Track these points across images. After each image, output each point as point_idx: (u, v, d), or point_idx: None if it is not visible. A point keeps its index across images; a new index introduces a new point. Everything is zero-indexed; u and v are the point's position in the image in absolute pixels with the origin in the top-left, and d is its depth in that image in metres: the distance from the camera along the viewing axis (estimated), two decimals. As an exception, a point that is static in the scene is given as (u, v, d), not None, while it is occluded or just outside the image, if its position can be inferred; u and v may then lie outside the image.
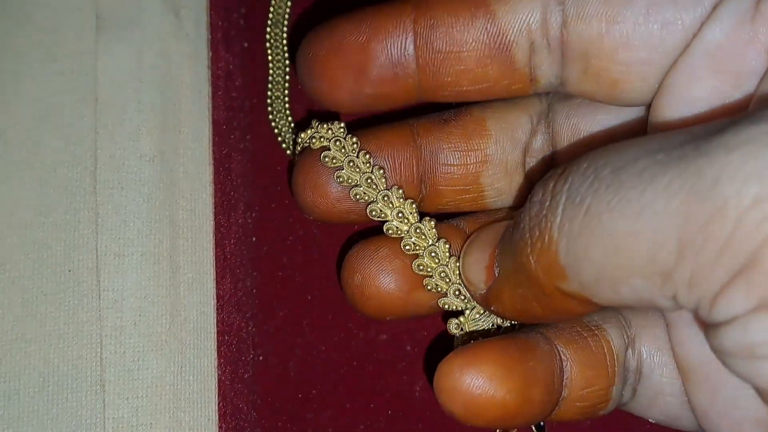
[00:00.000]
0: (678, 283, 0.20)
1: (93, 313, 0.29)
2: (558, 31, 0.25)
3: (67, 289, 0.29)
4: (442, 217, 0.30)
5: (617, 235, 0.20)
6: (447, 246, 0.29)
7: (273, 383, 0.33)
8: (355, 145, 0.28)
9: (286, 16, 0.35)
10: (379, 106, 0.28)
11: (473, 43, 0.26)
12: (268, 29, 0.35)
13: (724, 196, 0.18)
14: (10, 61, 0.31)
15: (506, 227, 0.26)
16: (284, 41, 0.35)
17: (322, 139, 0.29)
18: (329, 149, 0.28)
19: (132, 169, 0.30)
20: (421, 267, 0.28)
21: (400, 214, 0.28)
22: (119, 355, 0.29)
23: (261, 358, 0.33)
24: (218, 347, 0.31)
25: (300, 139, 0.30)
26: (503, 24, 0.26)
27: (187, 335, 0.30)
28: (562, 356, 0.27)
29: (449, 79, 0.27)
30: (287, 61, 0.35)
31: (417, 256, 0.28)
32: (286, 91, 0.34)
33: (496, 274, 0.26)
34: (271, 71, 0.35)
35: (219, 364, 0.31)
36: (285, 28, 0.35)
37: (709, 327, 0.21)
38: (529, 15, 0.25)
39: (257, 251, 0.33)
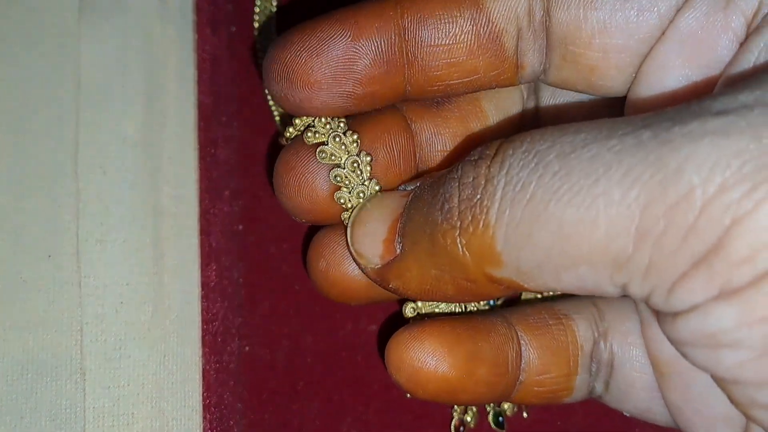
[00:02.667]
0: (632, 271, 0.20)
1: (73, 300, 0.28)
2: (541, 17, 0.25)
3: (47, 275, 0.28)
4: None
5: (566, 223, 0.20)
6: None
7: (259, 374, 0.32)
8: (355, 143, 0.27)
9: (275, 2, 0.35)
10: (363, 107, 0.27)
11: (462, 35, 0.26)
12: (256, 16, 0.35)
13: (689, 184, 0.18)
14: (-9, 42, 0.30)
15: (408, 199, 0.25)
16: (273, 27, 0.35)
17: (317, 135, 0.27)
18: (326, 144, 0.27)
19: (115, 154, 0.30)
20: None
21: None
22: (100, 343, 0.28)
23: (247, 348, 0.32)
24: (203, 337, 0.31)
25: (288, 133, 0.28)
26: (492, 13, 0.26)
27: (170, 324, 0.30)
28: (522, 341, 0.27)
29: (439, 73, 0.26)
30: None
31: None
32: None
33: (398, 250, 0.25)
34: (260, 55, 0.34)
35: (203, 354, 0.30)
36: (273, 13, 0.35)
37: (665, 316, 0.21)
38: (516, 3, 0.25)
39: (244, 240, 0.33)
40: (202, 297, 0.31)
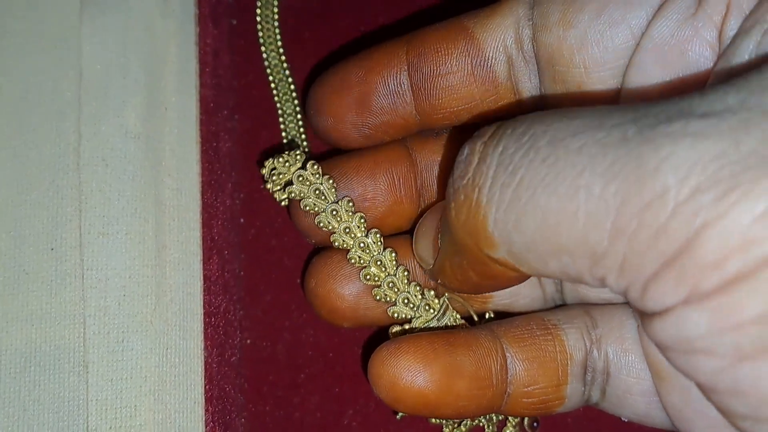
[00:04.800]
0: (608, 266, 0.20)
1: (76, 293, 0.28)
2: (530, 44, 0.27)
3: (50, 267, 0.28)
4: None
5: (550, 212, 0.20)
6: (393, 255, 0.29)
7: (260, 367, 0.32)
8: (317, 174, 0.29)
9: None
10: (381, 136, 0.30)
11: (456, 65, 0.28)
12: (258, 8, 0.35)
13: (664, 184, 0.18)
14: (-8, 35, 0.30)
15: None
16: (276, 20, 0.35)
17: (281, 176, 0.30)
18: (292, 183, 0.29)
19: (116, 146, 0.30)
20: (368, 277, 0.29)
21: (347, 229, 0.29)
22: (103, 335, 0.28)
23: (249, 341, 0.32)
24: (205, 329, 0.31)
25: (266, 172, 0.30)
26: (482, 43, 0.27)
27: (172, 316, 0.30)
28: (508, 353, 0.27)
29: (440, 101, 0.28)
30: (279, 41, 0.34)
31: (364, 267, 0.29)
32: (287, 72, 0.34)
33: (440, 247, 0.26)
34: (264, 53, 0.34)
35: (206, 347, 0.30)
36: (276, 8, 0.35)
37: (645, 317, 0.21)
38: (504, 33, 0.27)
39: (245, 233, 0.33)
40: (204, 290, 0.31)
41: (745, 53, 0.22)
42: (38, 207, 0.29)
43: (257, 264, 0.33)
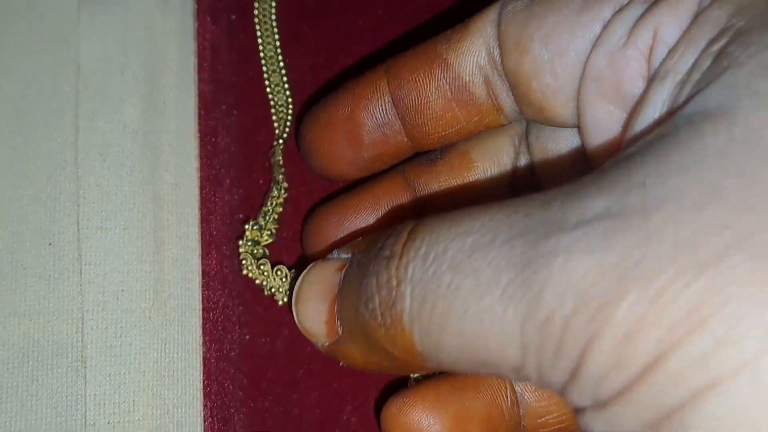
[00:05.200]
0: (529, 375, 0.20)
1: (74, 288, 0.28)
2: (500, 64, 0.27)
3: (48, 262, 0.28)
4: None
5: (465, 335, 0.20)
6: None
7: (259, 362, 0.32)
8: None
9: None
10: (378, 166, 0.30)
11: (437, 93, 0.28)
12: (256, 3, 0.35)
13: (549, 306, 0.18)
14: (-10, 30, 0.30)
15: (341, 277, 0.26)
16: (273, 15, 0.35)
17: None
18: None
19: (115, 142, 0.30)
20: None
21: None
22: (101, 330, 0.28)
23: (247, 336, 0.32)
24: (203, 324, 0.31)
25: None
26: (457, 68, 0.27)
27: (171, 311, 0.30)
28: (517, 387, 0.28)
29: (427, 128, 0.28)
30: (276, 35, 0.34)
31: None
32: (281, 63, 0.34)
33: (339, 332, 0.25)
34: (261, 46, 0.34)
35: (204, 342, 0.30)
36: (273, 3, 0.35)
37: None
38: (477, 55, 0.27)
39: (244, 228, 0.33)
40: (203, 285, 0.31)
41: (653, 111, 0.22)
42: (36, 202, 0.29)
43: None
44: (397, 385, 0.32)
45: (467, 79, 0.27)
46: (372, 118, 0.29)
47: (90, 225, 0.29)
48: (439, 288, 0.21)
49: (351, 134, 0.29)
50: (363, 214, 0.30)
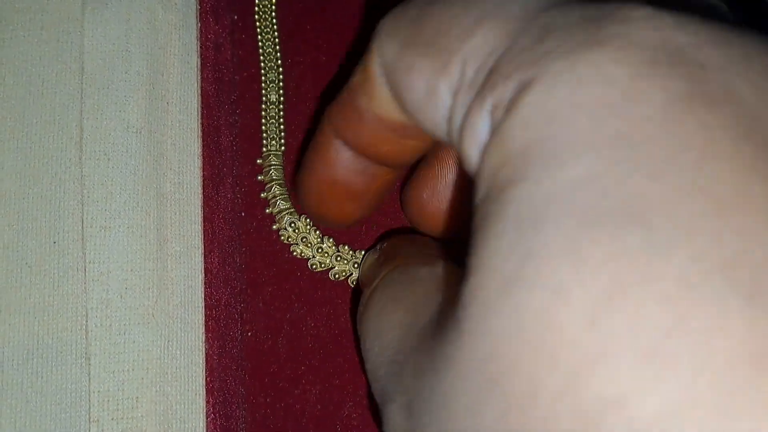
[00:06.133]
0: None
1: (78, 286, 0.29)
2: None
3: (52, 260, 0.29)
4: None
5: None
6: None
7: (261, 359, 0.32)
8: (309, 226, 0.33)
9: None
10: (383, 194, 0.29)
11: (383, 136, 0.25)
12: (257, 3, 0.35)
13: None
14: (-5, 29, 0.30)
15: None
16: (273, 14, 0.35)
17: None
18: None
19: (118, 141, 0.30)
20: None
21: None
22: (105, 327, 0.29)
23: (249, 333, 0.32)
24: (206, 322, 0.31)
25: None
26: (378, 111, 0.24)
27: (174, 309, 0.30)
28: None
29: (392, 161, 0.26)
30: (276, 33, 0.34)
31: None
32: (279, 61, 0.34)
33: None
34: (261, 43, 0.34)
35: (206, 339, 0.31)
36: (273, 4, 0.35)
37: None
38: (384, 94, 0.24)
39: (246, 226, 0.33)
40: (205, 283, 0.31)
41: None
42: (41, 201, 0.29)
43: (258, 257, 0.33)
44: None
45: (392, 119, 0.24)
46: (348, 172, 0.27)
47: (94, 223, 0.29)
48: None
49: (346, 197, 0.28)
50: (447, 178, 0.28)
